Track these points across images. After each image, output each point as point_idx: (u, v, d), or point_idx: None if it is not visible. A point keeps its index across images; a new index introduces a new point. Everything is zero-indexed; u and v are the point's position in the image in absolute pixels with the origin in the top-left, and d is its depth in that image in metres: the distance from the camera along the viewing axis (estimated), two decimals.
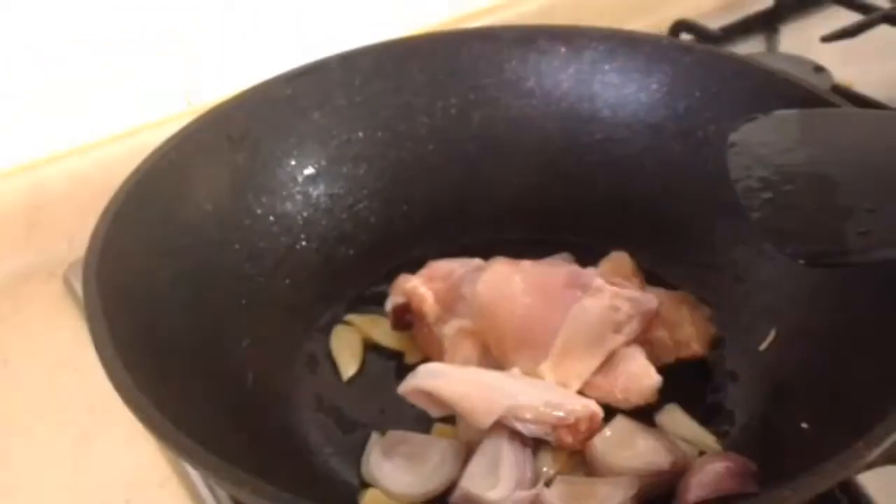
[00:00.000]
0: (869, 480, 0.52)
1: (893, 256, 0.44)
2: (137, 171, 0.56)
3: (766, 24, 0.96)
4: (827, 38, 0.87)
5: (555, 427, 0.49)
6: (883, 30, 0.88)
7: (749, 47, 0.92)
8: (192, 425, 0.43)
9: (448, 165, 0.69)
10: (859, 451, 0.37)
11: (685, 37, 0.89)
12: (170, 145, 0.59)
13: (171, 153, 0.58)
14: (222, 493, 0.55)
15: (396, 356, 0.60)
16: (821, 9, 0.97)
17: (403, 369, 0.58)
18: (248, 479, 0.38)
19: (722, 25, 0.92)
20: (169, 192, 0.58)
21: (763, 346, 0.56)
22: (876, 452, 0.37)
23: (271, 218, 0.63)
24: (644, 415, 0.53)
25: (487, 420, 0.49)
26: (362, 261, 0.65)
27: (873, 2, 0.92)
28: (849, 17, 0.90)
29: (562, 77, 0.68)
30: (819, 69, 0.85)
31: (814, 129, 0.52)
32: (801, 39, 0.94)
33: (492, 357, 0.54)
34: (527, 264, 0.55)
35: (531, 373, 0.52)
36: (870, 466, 0.38)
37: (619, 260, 0.58)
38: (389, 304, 0.59)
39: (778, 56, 0.90)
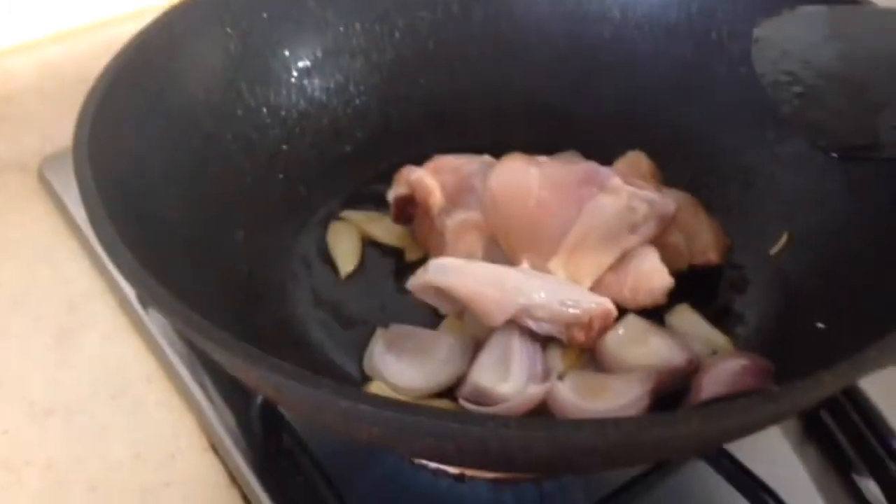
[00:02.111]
0: (870, 385, 0.53)
1: None
2: (124, 51, 0.52)
3: None
4: None
5: (568, 325, 0.48)
6: None
7: None
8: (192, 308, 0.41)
9: (449, 64, 0.66)
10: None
11: None
12: (158, 26, 0.55)
13: (159, 34, 0.55)
14: (210, 386, 0.54)
15: (396, 253, 0.58)
16: None
17: (404, 267, 0.57)
18: (262, 356, 0.36)
19: None
20: (158, 76, 0.54)
21: (774, 251, 0.55)
22: None
23: (265, 110, 0.61)
24: (654, 316, 0.52)
25: (500, 319, 0.47)
26: (359, 158, 0.63)
27: None
28: None
29: None
30: None
31: (841, 24, 0.51)
32: None
33: (496, 251, 0.52)
34: (543, 159, 0.53)
35: (540, 268, 0.50)
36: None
37: (635, 159, 0.57)
38: (392, 195, 0.56)
39: None
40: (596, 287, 0.50)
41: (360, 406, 0.34)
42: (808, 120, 0.44)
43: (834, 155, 0.43)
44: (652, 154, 0.59)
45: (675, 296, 0.52)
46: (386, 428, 0.35)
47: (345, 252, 0.57)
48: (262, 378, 0.37)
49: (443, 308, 0.50)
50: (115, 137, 0.49)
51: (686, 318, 0.52)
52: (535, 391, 0.45)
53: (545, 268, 0.50)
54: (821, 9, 0.52)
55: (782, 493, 0.48)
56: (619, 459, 0.39)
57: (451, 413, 0.33)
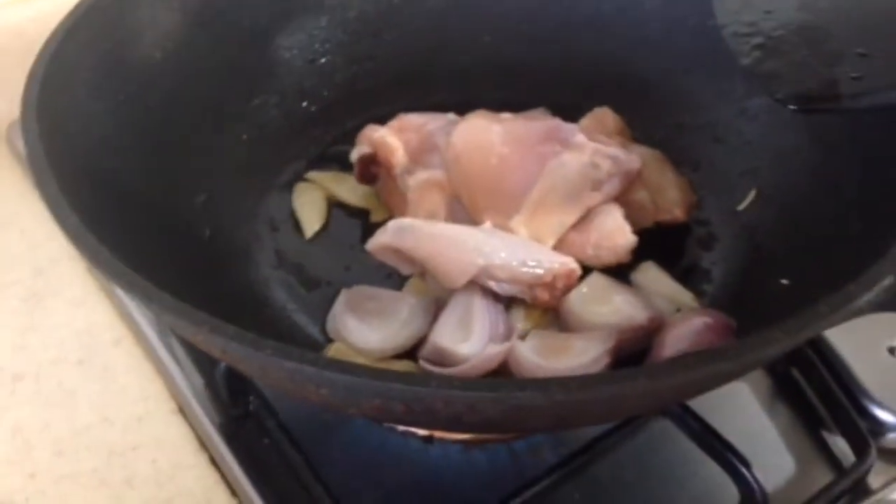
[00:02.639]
0: (840, 342, 0.52)
1: (884, 102, 0.42)
2: (76, 9, 0.51)
3: None
4: None
5: (530, 285, 0.47)
6: None
7: None
8: (148, 273, 0.40)
9: (415, 21, 0.65)
10: (852, 293, 0.35)
11: None
12: None
13: None
14: (178, 350, 0.53)
15: (362, 214, 0.58)
16: None
17: (369, 227, 0.56)
18: (207, 318, 0.35)
19: None
20: (112, 34, 0.53)
21: (742, 207, 0.54)
22: (867, 297, 0.36)
23: (227, 70, 0.59)
24: (620, 274, 0.51)
25: (460, 280, 0.47)
26: (324, 118, 0.62)
27: None
28: None
29: None
30: None
31: None
32: None
33: (460, 210, 0.51)
34: (507, 116, 0.52)
35: (502, 227, 0.49)
36: (857, 313, 0.37)
37: (601, 116, 0.56)
38: (355, 155, 0.55)
39: None
40: (559, 246, 0.50)
41: (304, 367, 0.33)
42: (767, 71, 0.43)
43: (793, 107, 0.42)
44: (621, 110, 0.58)
45: (643, 253, 0.52)
46: (333, 389, 0.35)
47: (310, 213, 0.57)
48: (207, 340, 0.36)
49: (404, 269, 0.49)
50: (67, 97, 0.48)
51: (651, 275, 0.51)
52: (495, 351, 0.45)
53: (507, 226, 0.49)
54: None
55: (752, 451, 0.48)
56: (571, 418, 0.39)
57: (394, 373, 0.33)
